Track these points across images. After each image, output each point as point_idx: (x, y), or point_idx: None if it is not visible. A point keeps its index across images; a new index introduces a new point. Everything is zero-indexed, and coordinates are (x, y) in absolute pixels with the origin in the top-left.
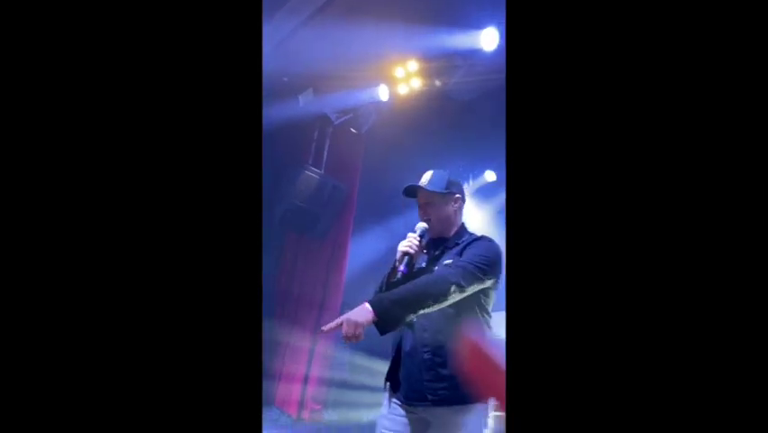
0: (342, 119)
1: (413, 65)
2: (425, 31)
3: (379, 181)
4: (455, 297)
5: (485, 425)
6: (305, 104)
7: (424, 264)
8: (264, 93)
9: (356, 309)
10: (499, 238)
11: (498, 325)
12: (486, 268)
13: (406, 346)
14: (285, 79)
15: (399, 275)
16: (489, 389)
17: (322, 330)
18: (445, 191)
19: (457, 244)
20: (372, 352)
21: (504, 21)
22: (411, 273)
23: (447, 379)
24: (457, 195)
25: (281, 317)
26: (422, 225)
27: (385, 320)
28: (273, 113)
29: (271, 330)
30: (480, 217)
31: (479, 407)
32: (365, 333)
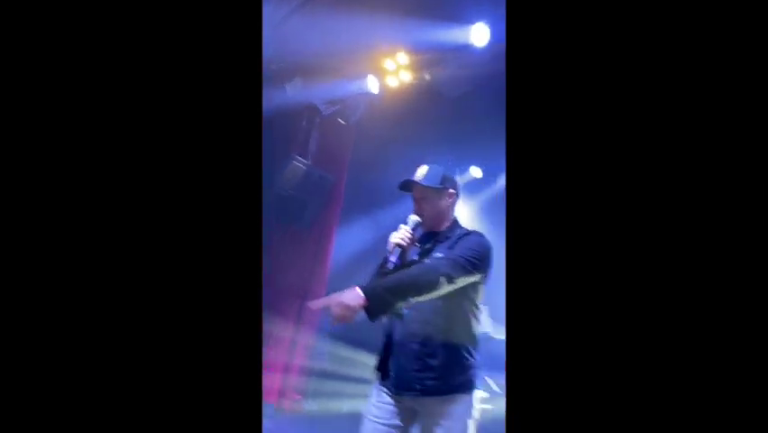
0: (331, 110)
1: (403, 57)
2: (415, 24)
3: (367, 173)
4: (445, 288)
5: (471, 415)
6: (292, 93)
7: (416, 257)
8: None
9: (347, 292)
10: (485, 234)
11: (497, 325)
12: (476, 262)
13: (396, 337)
14: (273, 67)
15: (390, 266)
16: None
17: (309, 306)
18: (440, 186)
19: (449, 238)
20: (353, 342)
21: (495, 18)
22: (402, 265)
23: (435, 369)
24: (451, 190)
25: (263, 305)
26: (414, 217)
27: (375, 306)
28: None
29: None
30: (465, 213)
31: (465, 397)
32: (348, 324)
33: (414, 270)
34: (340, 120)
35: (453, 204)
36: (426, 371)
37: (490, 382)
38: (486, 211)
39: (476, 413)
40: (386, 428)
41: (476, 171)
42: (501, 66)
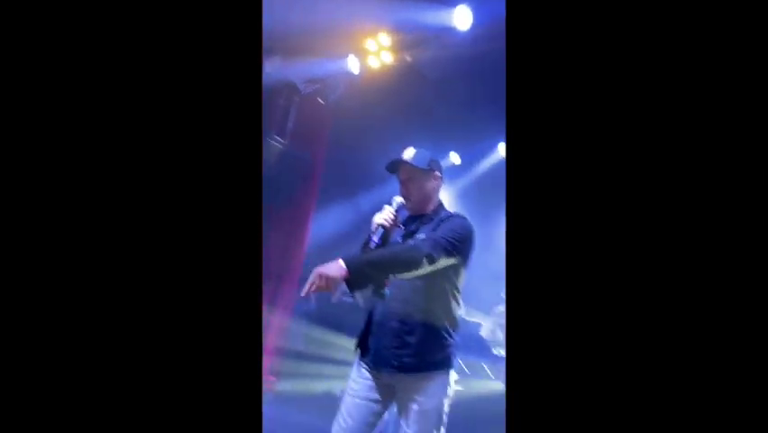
0: (310, 89)
1: (385, 38)
2: (398, 4)
3: (346, 155)
4: (426, 268)
5: (446, 393)
6: (271, 70)
7: (399, 238)
8: None
9: (329, 264)
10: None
11: (469, 308)
12: (458, 244)
13: (376, 316)
14: None
15: (373, 245)
16: None
17: (302, 296)
18: (427, 168)
19: (432, 221)
20: (329, 324)
21: (478, 1)
22: (384, 245)
23: (412, 347)
24: (437, 173)
25: None
26: (399, 198)
27: (355, 278)
28: None
29: None
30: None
31: (441, 376)
32: (325, 308)
33: (397, 248)
34: (319, 99)
35: (439, 187)
36: (404, 348)
37: (461, 364)
38: (463, 198)
39: (451, 391)
40: (364, 402)
41: (455, 158)
42: (483, 49)
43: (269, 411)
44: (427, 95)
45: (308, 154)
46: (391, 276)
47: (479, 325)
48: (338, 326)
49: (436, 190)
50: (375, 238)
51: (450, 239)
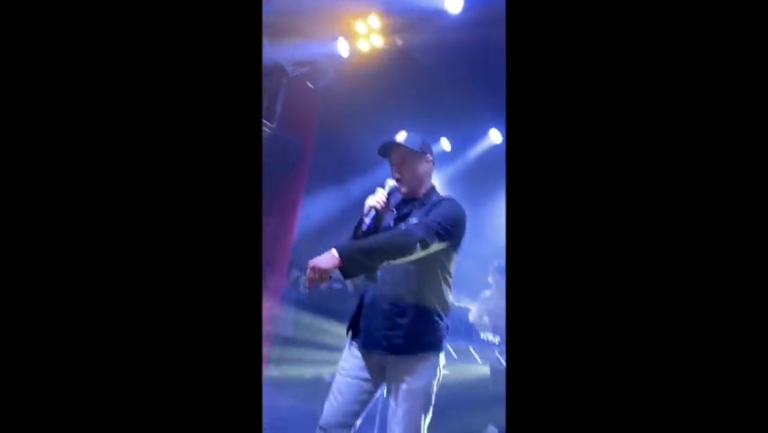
0: (299, 72)
1: (375, 21)
2: None
3: (335, 139)
4: (419, 252)
5: (435, 375)
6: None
7: (391, 222)
8: None
9: (323, 255)
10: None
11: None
12: (449, 228)
13: (368, 298)
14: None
15: (365, 228)
16: None
17: (306, 293)
18: (420, 151)
19: (425, 204)
20: (318, 310)
21: None
22: (377, 228)
23: (402, 328)
24: (429, 156)
25: None
26: (391, 182)
27: (349, 265)
28: None
29: None
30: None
31: (431, 358)
32: (314, 294)
33: (389, 233)
34: (308, 83)
35: (431, 170)
36: (395, 330)
37: (449, 348)
38: (451, 186)
39: (439, 373)
40: (355, 381)
41: (445, 143)
42: (475, 34)
43: None
44: (418, 79)
45: (297, 138)
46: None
47: (467, 310)
48: (327, 311)
49: (428, 173)
50: (367, 220)
51: (442, 223)
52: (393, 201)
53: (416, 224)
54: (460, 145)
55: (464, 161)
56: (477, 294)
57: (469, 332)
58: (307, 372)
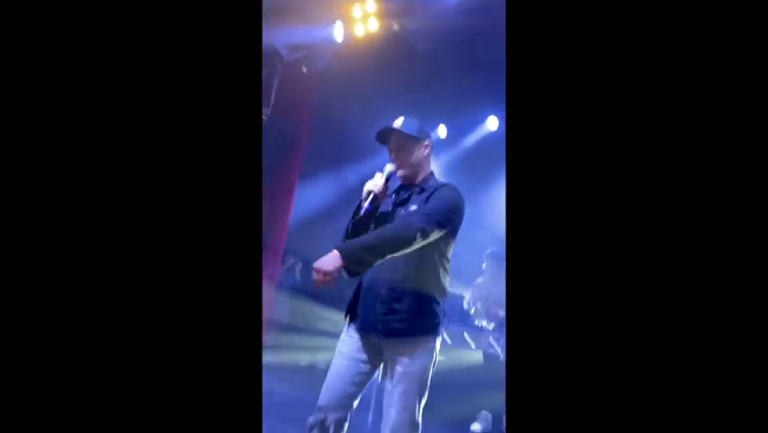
0: (294, 57)
1: (371, 5)
2: None
3: (330, 125)
4: (420, 242)
5: (431, 358)
6: None
7: (391, 206)
8: None
9: (326, 257)
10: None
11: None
12: (449, 215)
13: (366, 283)
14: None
15: (363, 212)
16: None
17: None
18: (417, 136)
19: (424, 190)
20: (313, 296)
21: None
22: (375, 212)
23: (399, 313)
24: (428, 141)
25: None
26: (390, 166)
27: (352, 264)
28: None
29: None
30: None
31: (427, 342)
32: (310, 280)
33: (389, 227)
34: (303, 68)
35: (429, 155)
36: (391, 314)
37: (444, 334)
38: (447, 174)
39: (436, 357)
40: (352, 362)
41: (442, 131)
42: (472, 19)
43: None
44: (414, 65)
45: (292, 124)
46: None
47: (461, 297)
48: (322, 298)
49: (427, 158)
50: (365, 204)
51: (441, 211)
52: (392, 186)
53: (414, 213)
54: (457, 132)
55: (461, 148)
56: (472, 280)
57: (463, 318)
58: (302, 358)
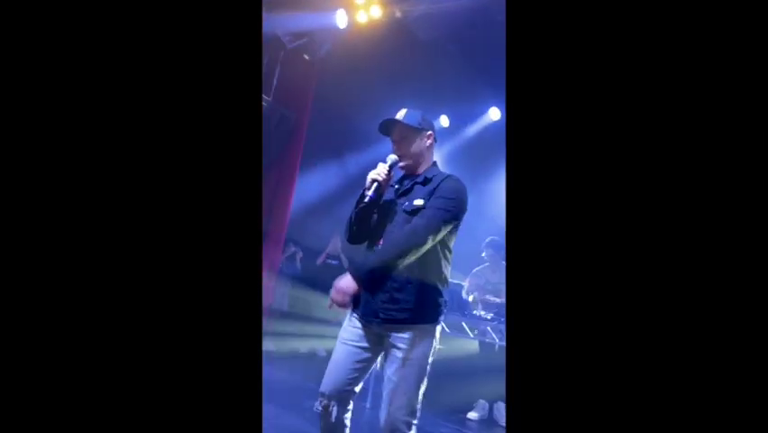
0: (296, 44)
1: None
2: None
3: (332, 113)
4: (431, 242)
5: (431, 345)
6: None
7: (393, 196)
8: None
9: (344, 278)
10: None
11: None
12: (455, 211)
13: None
14: None
15: (367, 200)
16: None
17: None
18: (419, 127)
19: (427, 180)
20: (314, 285)
21: None
22: (378, 200)
23: (400, 302)
24: (429, 132)
25: None
26: (393, 156)
27: (368, 282)
28: None
29: None
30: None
31: (428, 328)
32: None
33: (399, 238)
34: (305, 55)
35: (431, 146)
36: (392, 303)
37: (443, 323)
38: (448, 165)
39: (436, 344)
40: (354, 349)
41: (444, 120)
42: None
43: None
44: (417, 53)
45: (294, 112)
46: (382, 237)
47: (460, 286)
48: (323, 286)
49: (429, 149)
50: (369, 193)
51: (448, 208)
52: (395, 176)
53: (422, 216)
54: (459, 122)
55: (463, 138)
56: (471, 270)
57: (462, 307)
58: (302, 345)
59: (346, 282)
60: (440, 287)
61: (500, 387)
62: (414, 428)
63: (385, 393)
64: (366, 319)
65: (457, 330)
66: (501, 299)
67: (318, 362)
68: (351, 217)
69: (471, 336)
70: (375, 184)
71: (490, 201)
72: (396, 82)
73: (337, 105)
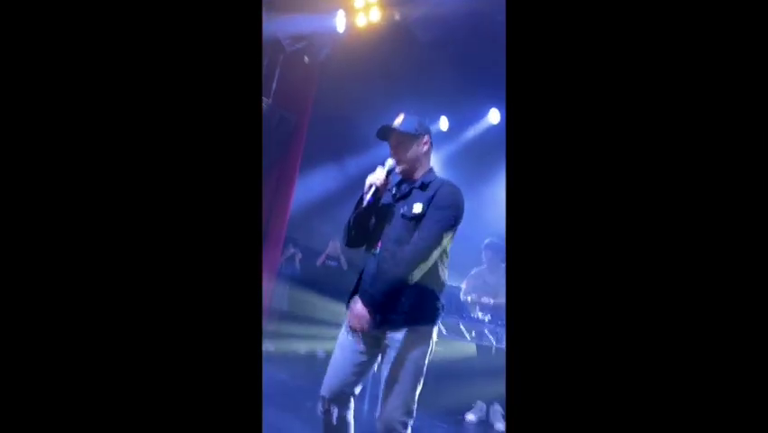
0: (295, 46)
1: None
2: None
3: (332, 116)
4: (436, 255)
5: (428, 346)
6: None
7: (391, 200)
8: None
9: (358, 312)
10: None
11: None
12: (453, 219)
13: (367, 276)
14: None
15: (365, 204)
16: None
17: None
18: (415, 133)
19: (424, 184)
20: (313, 286)
21: None
22: (377, 204)
23: (398, 306)
24: (426, 137)
25: None
26: (391, 161)
27: (381, 306)
28: None
29: None
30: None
31: (425, 330)
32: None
33: (405, 257)
34: (305, 58)
35: (429, 151)
36: (390, 305)
37: (440, 324)
38: (447, 167)
39: (432, 345)
40: (353, 353)
41: (444, 123)
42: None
43: None
44: (416, 55)
45: (294, 114)
46: (380, 240)
47: (458, 288)
48: (322, 287)
49: (426, 155)
50: (367, 197)
51: (448, 219)
52: (393, 180)
53: (421, 232)
54: (458, 125)
55: (462, 141)
56: (468, 272)
57: (459, 309)
58: (301, 346)
59: (361, 308)
60: (437, 291)
61: (497, 389)
62: (410, 428)
63: (381, 394)
64: None
65: (454, 332)
66: (498, 301)
67: (317, 362)
68: (349, 222)
69: (469, 338)
70: (373, 188)
71: (490, 204)
72: (395, 84)
73: (337, 108)
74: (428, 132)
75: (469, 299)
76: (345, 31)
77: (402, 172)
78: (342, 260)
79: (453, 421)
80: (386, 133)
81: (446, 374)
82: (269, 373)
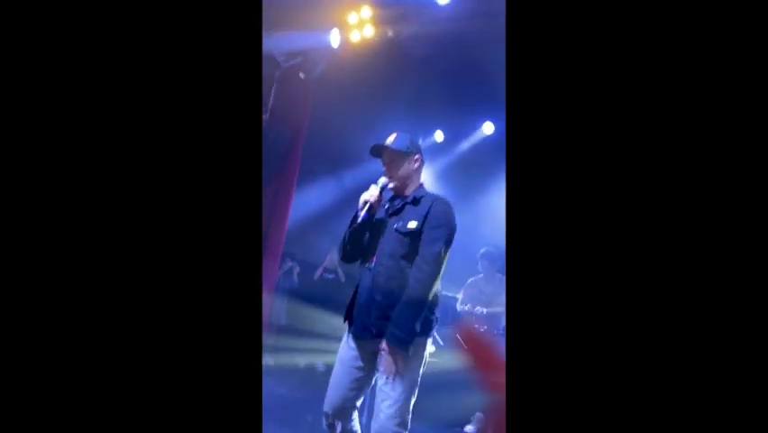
0: (291, 62)
1: (366, 11)
2: None
3: (327, 130)
4: (443, 267)
5: (422, 357)
6: None
7: (384, 215)
8: None
9: (387, 360)
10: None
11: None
12: (448, 235)
13: (362, 289)
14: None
15: (360, 220)
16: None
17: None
18: (407, 151)
19: (416, 199)
20: (311, 299)
21: None
22: (371, 220)
23: (392, 318)
24: (417, 155)
25: None
26: (384, 179)
27: (403, 344)
28: None
29: None
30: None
31: (418, 342)
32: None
33: (414, 284)
34: (300, 74)
35: (420, 168)
36: (384, 319)
37: (436, 335)
38: (443, 179)
39: (426, 357)
40: (351, 368)
41: (439, 135)
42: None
43: None
44: (410, 71)
45: (289, 130)
46: (375, 255)
47: (455, 299)
48: (320, 301)
49: (417, 172)
50: (362, 213)
51: (441, 238)
52: (386, 196)
53: (424, 256)
54: (453, 137)
55: (457, 153)
56: (465, 282)
57: (456, 319)
58: (300, 360)
59: (390, 364)
60: (431, 305)
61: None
62: None
63: (376, 404)
64: (360, 336)
65: (451, 343)
66: (494, 310)
67: (317, 376)
68: (344, 238)
69: (465, 348)
70: (367, 205)
71: (486, 215)
72: (390, 99)
73: (333, 122)
74: (419, 150)
75: (466, 308)
76: (340, 47)
77: (394, 188)
78: (340, 272)
79: None
80: (379, 151)
81: (445, 386)
82: (269, 387)
